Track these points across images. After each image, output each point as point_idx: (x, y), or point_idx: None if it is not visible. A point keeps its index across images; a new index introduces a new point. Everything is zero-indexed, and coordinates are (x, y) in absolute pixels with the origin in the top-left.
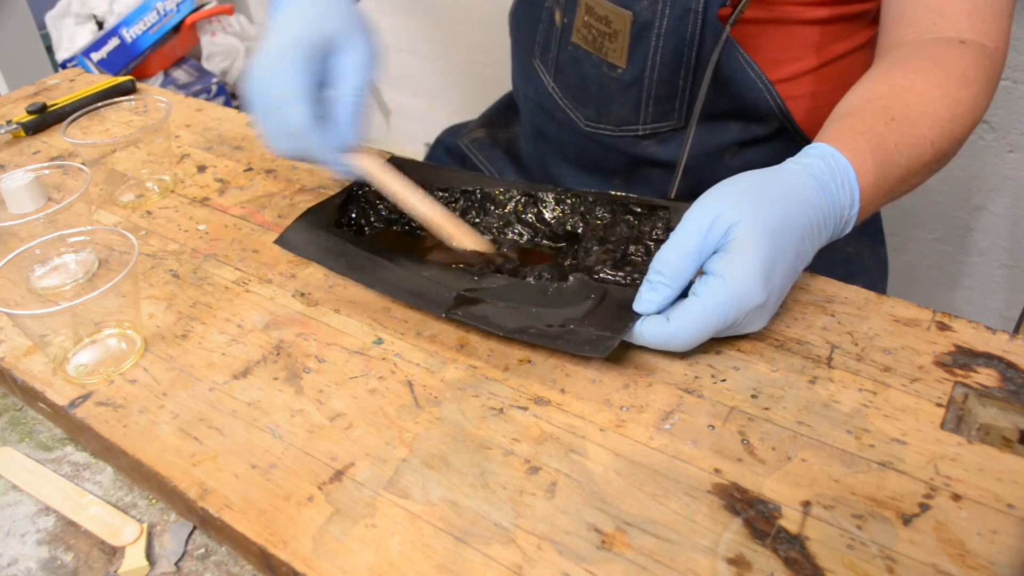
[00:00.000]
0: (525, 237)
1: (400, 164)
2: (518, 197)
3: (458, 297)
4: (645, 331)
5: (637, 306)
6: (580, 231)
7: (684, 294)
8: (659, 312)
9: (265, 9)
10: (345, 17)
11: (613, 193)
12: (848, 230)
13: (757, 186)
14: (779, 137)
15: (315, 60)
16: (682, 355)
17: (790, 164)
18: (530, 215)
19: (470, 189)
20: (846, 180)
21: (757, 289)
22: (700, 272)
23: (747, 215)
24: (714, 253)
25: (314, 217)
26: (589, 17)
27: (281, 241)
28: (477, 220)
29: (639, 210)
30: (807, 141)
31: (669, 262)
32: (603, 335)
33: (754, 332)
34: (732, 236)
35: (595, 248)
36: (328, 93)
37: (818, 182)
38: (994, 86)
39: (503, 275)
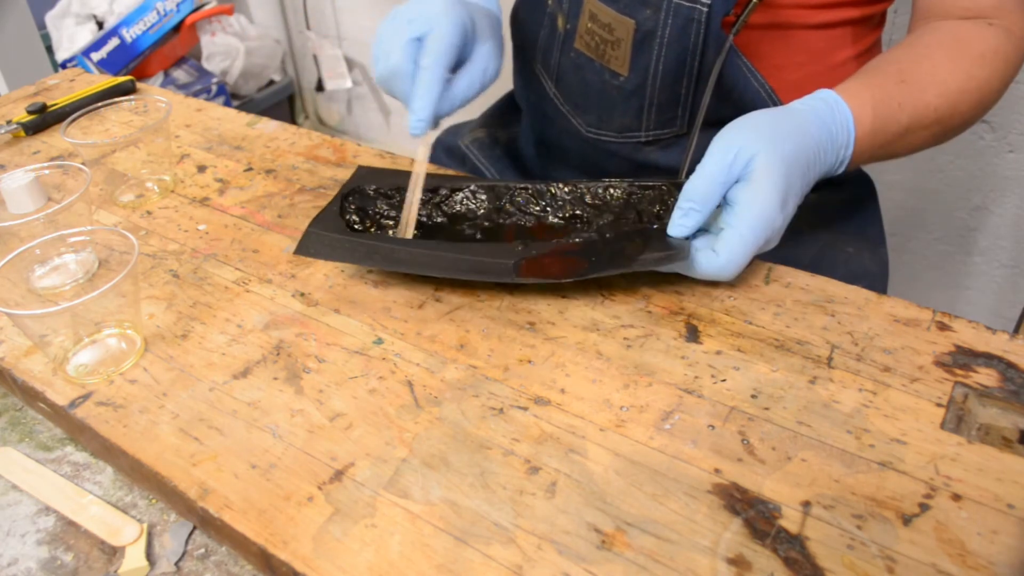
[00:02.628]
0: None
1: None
2: (525, 189)
3: (516, 263)
4: (699, 263)
5: (671, 230)
6: (585, 215)
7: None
8: (689, 238)
9: (266, 9)
10: (444, 8)
11: (608, 181)
12: (842, 169)
13: (771, 122)
14: None
15: (415, 32)
16: (682, 355)
17: (797, 104)
18: (534, 208)
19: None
20: (844, 123)
21: (777, 212)
22: (723, 203)
23: (765, 147)
24: (737, 182)
25: (323, 225)
26: (592, 24)
27: (302, 250)
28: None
29: (639, 191)
30: None
31: (698, 190)
32: (668, 251)
33: (762, 323)
34: (752, 167)
35: (604, 223)
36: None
37: (821, 120)
38: (1013, 72)
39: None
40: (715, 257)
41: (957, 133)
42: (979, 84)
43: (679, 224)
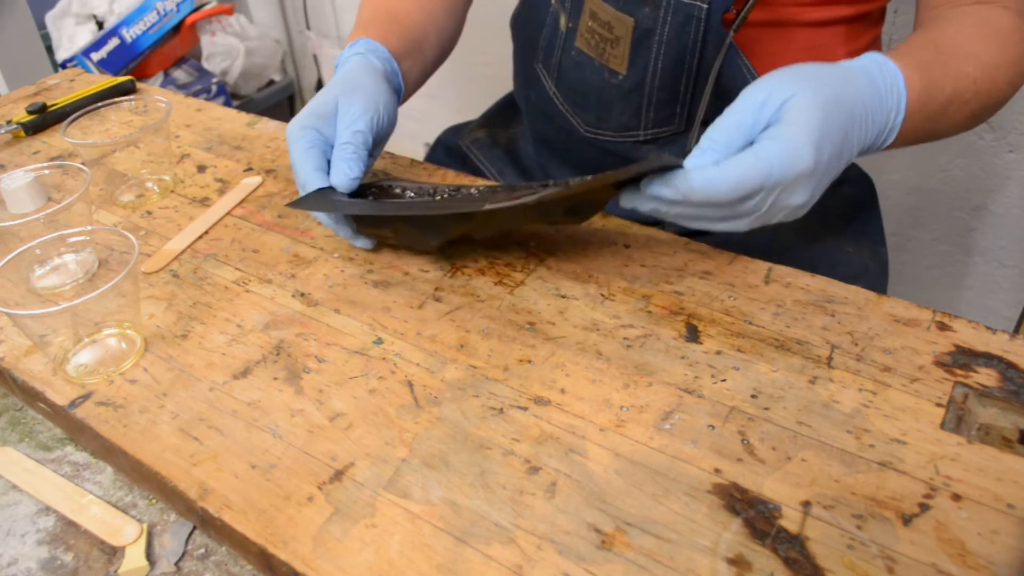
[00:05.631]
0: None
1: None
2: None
3: (489, 198)
4: (692, 174)
5: (689, 163)
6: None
7: None
8: None
9: (266, 9)
10: (353, 84)
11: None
12: (890, 140)
13: (813, 70)
14: None
15: (319, 126)
16: (682, 355)
17: (843, 62)
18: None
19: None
20: (894, 85)
21: (807, 151)
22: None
23: (801, 90)
24: (766, 128)
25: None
26: (593, 22)
27: (295, 205)
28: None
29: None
30: None
31: (722, 130)
32: (661, 162)
33: (762, 323)
34: (785, 109)
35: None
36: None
37: (869, 78)
38: None
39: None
40: (711, 168)
41: (991, 112)
42: (1012, 59)
43: (693, 158)
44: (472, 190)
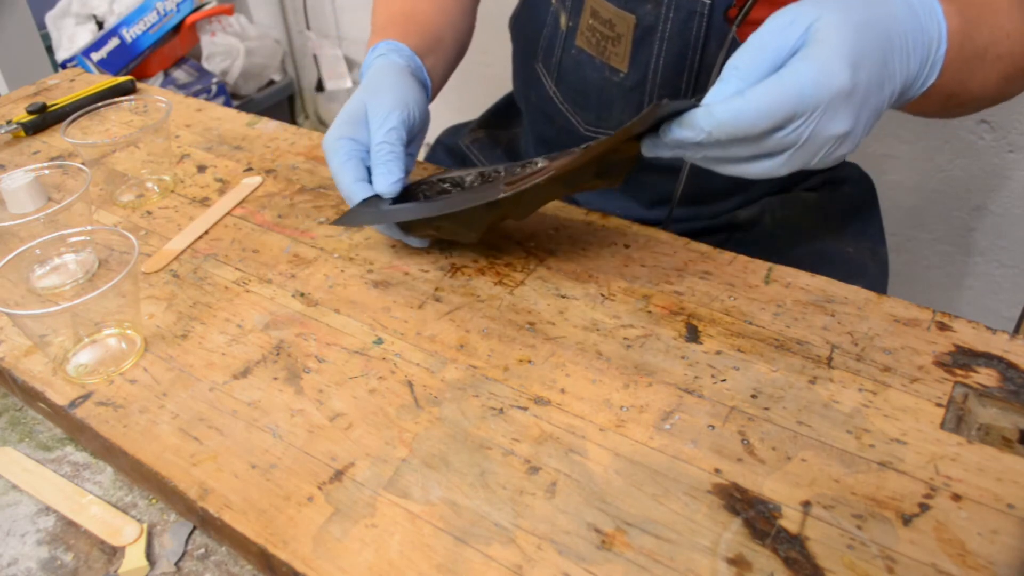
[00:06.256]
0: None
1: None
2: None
3: (508, 179)
4: (715, 107)
5: (710, 97)
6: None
7: None
8: None
9: (266, 9)
10: (379, 84)
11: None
12: (932, 79)
13: None
14: None
15: (353, 134)
16: (682, 355)
17: None
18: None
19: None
20: (933, 12)
21: (842, 69)
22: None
23: (829, 10)
24: (794, 54)
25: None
26: (594, 20)
27: (340, 222)
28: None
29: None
30: None
31: (744, 56)
32: (679, 105)
33: (762, 323)
34: (813, 30)
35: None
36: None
37: (907, 3)
38: None
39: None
40: (736, 97)
41: (1016, 85)
42: None
43: (716, 91)
44: (516, 169)
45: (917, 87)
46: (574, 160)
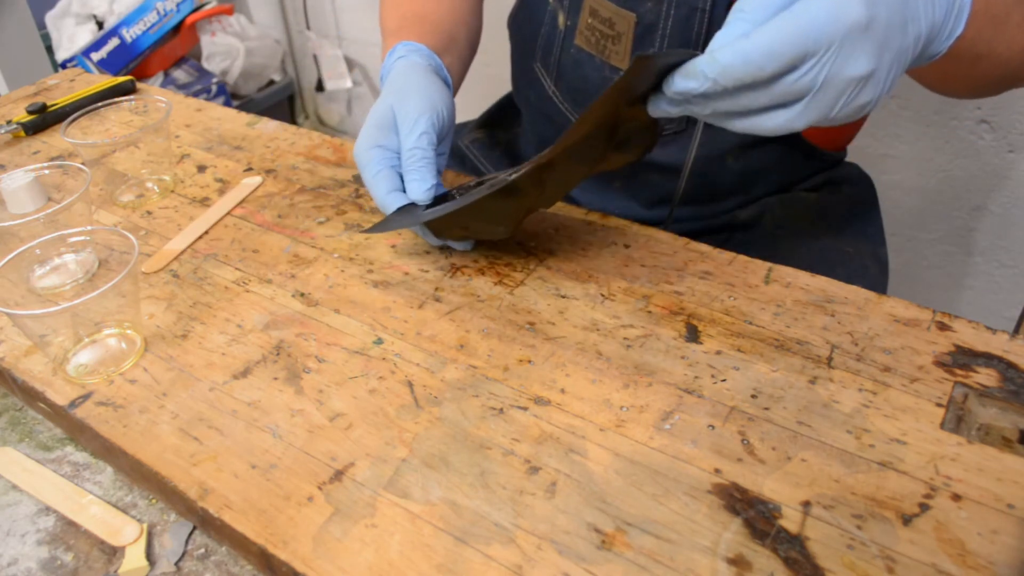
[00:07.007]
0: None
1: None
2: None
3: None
4: (719, 52)
5: (714, 43)
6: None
7: None
8: None
9: (266, 9)
10: (404, 87)
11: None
12: (959, 30)
13: None
14: (782, 139)
15: (383, 141)
16: (682, 355)
17: None
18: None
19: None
20: None
21: (856, 0)
22: None
23: None
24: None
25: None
26: (593, 19)
27: (372, 230)
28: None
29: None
30: (808, 143)
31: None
32: (680, 55)
33: (762, 323)
34: None
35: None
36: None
37: None
38: None
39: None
40: (743, 38)
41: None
42: None
43: (723, 34)
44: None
45: (944, 38)
46: (577, 129)
